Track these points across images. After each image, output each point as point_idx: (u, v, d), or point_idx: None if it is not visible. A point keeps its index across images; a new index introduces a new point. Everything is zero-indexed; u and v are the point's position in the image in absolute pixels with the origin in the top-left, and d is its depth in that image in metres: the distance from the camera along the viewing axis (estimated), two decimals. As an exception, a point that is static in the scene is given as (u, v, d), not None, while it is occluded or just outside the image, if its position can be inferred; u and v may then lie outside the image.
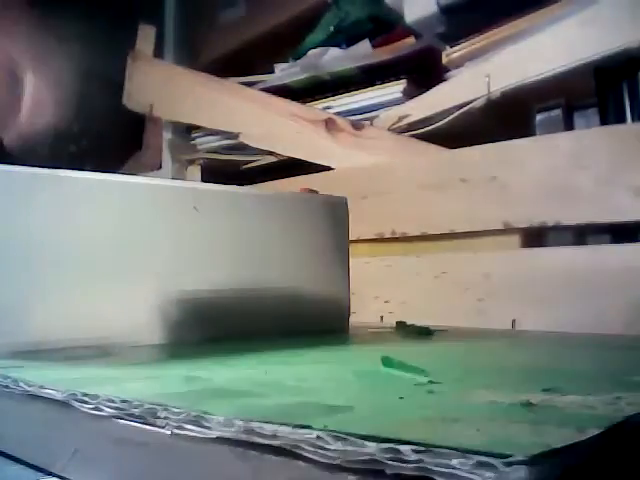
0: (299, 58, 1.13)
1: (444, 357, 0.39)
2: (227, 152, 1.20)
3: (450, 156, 0.85)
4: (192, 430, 0.21)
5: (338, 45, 1.08)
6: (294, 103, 1.06)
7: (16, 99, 1.38)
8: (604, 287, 0.67)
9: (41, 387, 0.27)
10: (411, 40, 1.00)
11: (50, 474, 0.27)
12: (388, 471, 0.16)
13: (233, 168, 1.16)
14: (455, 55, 0.93)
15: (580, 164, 0.72)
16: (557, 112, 0.87)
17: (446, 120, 0.90)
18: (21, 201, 0.42)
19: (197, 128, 1.25)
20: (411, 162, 0.89)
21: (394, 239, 0.89)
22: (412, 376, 0.28)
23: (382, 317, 0.82)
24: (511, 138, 0.78)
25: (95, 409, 0.24)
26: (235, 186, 0.54)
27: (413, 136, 0.93)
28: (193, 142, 1.27)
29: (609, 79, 0.79)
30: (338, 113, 1.02)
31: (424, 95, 0.94)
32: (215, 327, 0.45)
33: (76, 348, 0.41)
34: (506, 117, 0.87)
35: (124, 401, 0.23)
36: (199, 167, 1.26)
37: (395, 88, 0.98)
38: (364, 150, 0.95)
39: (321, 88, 1.07)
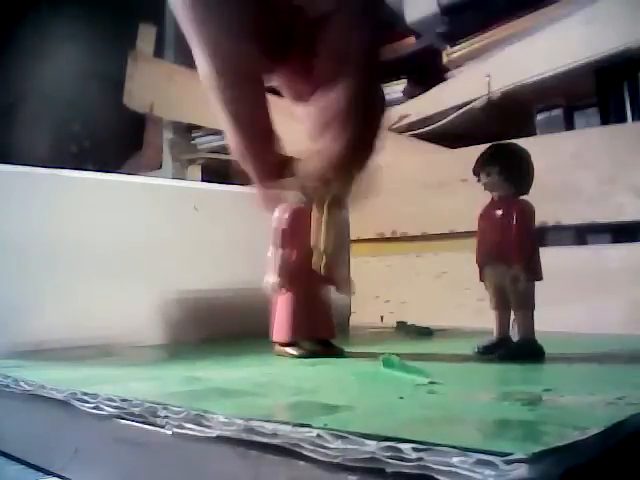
0: (299, 58, 1.12)
1: (444, 357, 0.39)
2: (227, 152, 1.20)
3: (450, 156, 0.85)
4: (192, 429, 0.21)
5: (338, 45, 1.08)
6: (294, 103, 1.06)
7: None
8: (604, 287, 0.67)
9: (41, 387, 0.27)
10: (411, 40, 1.00)
11: (50, 474, 0.27)
12: (388, 469, 0.16)
13: (233, 168, 1.16)
14: (455, 55, 0.94)
15: (580, 164, 0.72)
16: (557, 112, 0.87)
17: (446, 120, 0.90)
18: (21, 201, 0.42)
19: (197, 128, 1.25)
20: (411, 162, 0.89)
21: (394, 239, 0.89)
22: (413, 377, 0.28)
23: (382, 317, 0.82)
24: (511, 138, 0.78)
25: (95, 408, 0.24)
26: (235, 186, 0.54)
27: (413, 136, 0.93)
28: (193, 142, 1.27)
29: (609, 79, 0.79)
30: (338, 113, 1.01)
31: (424, 95, 0.95)
32: (215, 327, 0.45)
33: (76, 348, 0.41)
34: (506, 117, 0.87)
35: (124, 400, 0.23)
36: (199, 167, 1.26)
37: (395, 88, 0.98)
38: (364, 150, 0.95)
39: (321, 88, 1.07)
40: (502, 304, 0.37)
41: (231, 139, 0.32)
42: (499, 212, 0.36)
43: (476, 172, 0.37)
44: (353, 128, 0.30)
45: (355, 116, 0.30)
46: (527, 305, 0.36)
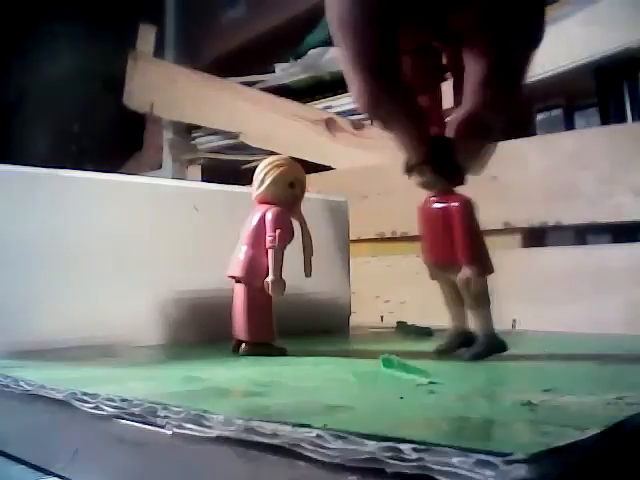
0: (299, 58, 1.13)
1: (445, 357, 0.39)
2: (227, 152, 1.20)
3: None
4: (192, 429, 0.21)
5: (338, 45, 1.08)
6: (294, 103, 1.06)
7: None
8: (604, 287, 0.67)
9: (41, 387, 0.27)
10: (411, 40, 1.00)
11: (50, 474, 0.27)
12: (388, 470, 0.16)
13: (233, 168, 1.16)
14: (455, 55, 0.93)
15: (580, 164, 0.72)
16: (557, 112, 0.87)
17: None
18: (21, 201, 0.42)
19: (197, 128, 1.25)
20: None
21: (394, 239, 0.89)
22: (413, 377, 0.28)
23: (382, 317, 0.82)
24: (511, 138, 0.78)
25: (95, 408, 0.24)
26: (235, 186, 0.54)
27: (413, 136, 0.93)
28: (193, 142, 1.27)
29: (609, 79, 0.79)
30: (338, 113, 1.02)
31: (424, 95, 0.94)
32: (214, 327, 0.45)
33: (76, 348, 0.41)
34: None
35: (124, 400, 0.23)
36: (199, 167, 1.26)
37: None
38: (364, 150, 0.95)
39: (321, 88, 1.07)
40: (456, 301, 0.36)
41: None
42: (439, 212, 0.35)
43: (409, 174, 0.37)
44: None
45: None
46: (483, 303, 0.35)
